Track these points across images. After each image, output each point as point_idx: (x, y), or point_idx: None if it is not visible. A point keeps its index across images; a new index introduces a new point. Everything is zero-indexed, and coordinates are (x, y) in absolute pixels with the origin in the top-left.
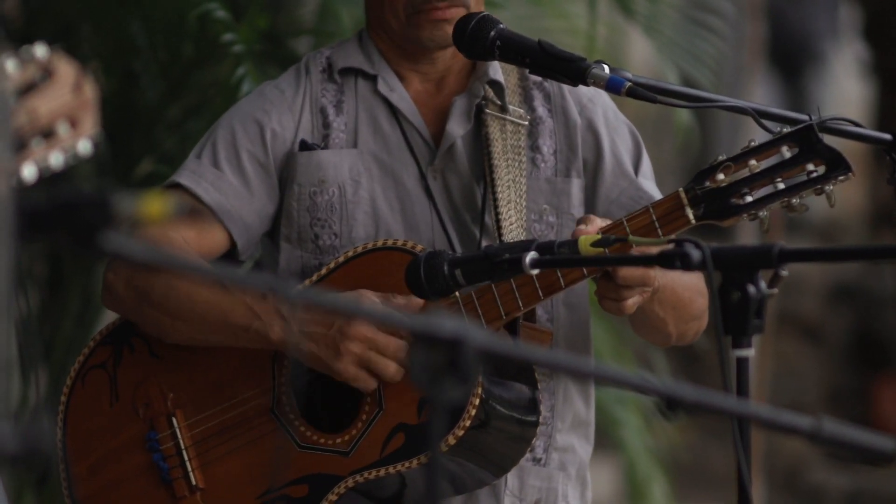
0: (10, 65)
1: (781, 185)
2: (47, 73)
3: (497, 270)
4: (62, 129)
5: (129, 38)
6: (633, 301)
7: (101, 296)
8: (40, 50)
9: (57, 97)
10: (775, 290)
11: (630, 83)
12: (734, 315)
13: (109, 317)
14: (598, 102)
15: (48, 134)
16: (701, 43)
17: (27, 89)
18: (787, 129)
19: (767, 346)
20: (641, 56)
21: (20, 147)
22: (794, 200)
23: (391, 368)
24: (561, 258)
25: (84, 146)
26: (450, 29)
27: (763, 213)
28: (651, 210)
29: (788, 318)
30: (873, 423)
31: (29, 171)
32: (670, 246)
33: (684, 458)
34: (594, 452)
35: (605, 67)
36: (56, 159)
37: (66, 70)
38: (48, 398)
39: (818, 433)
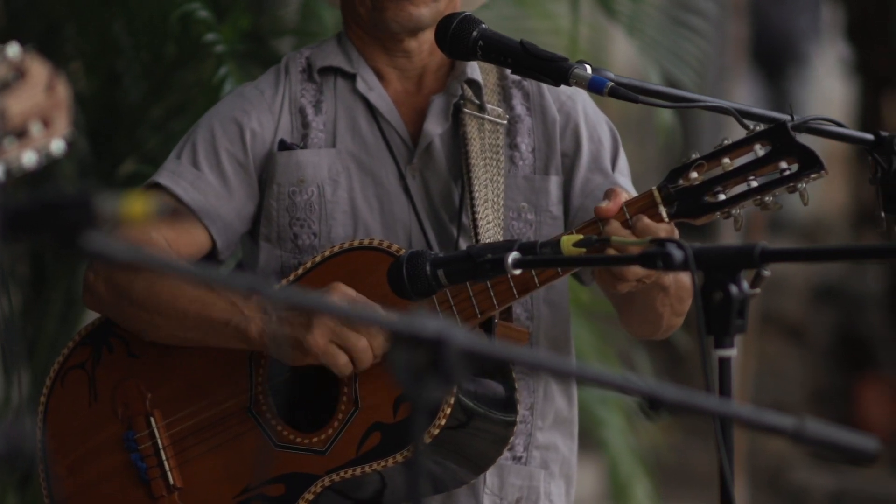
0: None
1: (755, 183)
2: (20, 73)
3: (480, 270)
4: (35, 129)
5: (113, 39)
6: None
7: (81, 296)
8: (12, 50)
9: (30, 97)
10: (758, 290)
11: (612, 83)
12: (717, 315)
13: (92, 317)
14: (577, 99)
15: (21, 133)
16: (683, 43)
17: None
18: (760, 127)
19: (750, 346)
20: (624, 56)
21: None
22: (767, 198)
23: (362, 342)
24: (543, 258)
25: (57, 146)
26: (414, 10)
27: (737, 212)
28: (624, 209)
29: (771, 318)
30: (856, 423)
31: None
32: (653, 246)
33: (667, 458)
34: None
35: (588, 67)
36: (29, 159)
37: (38, 70)
38: (31, 398)
39: (801, 433)
